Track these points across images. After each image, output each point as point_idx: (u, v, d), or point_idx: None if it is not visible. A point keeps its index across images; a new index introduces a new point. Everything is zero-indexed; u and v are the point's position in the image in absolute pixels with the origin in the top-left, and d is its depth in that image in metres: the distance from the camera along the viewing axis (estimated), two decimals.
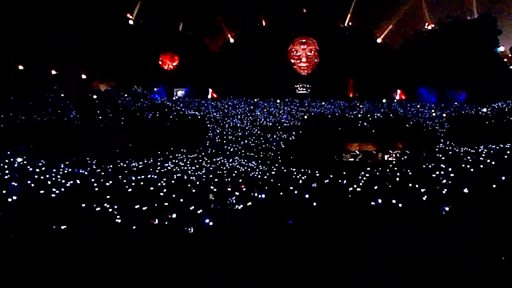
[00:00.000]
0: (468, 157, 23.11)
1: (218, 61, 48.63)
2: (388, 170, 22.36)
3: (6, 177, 17.46)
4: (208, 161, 26.19)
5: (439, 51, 43.84)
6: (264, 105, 39.69)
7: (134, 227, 10.04)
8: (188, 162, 25.59)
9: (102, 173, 20.70)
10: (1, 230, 9.80)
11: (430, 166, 21.77)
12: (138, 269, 7.56)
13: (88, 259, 7.82)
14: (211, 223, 10.34)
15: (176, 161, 26.09)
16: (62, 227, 9.77)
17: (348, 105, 39.13)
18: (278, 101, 40.75)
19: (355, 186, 16.30)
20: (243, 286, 7.16)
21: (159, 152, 27.87)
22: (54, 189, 14.94)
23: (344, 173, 20.07)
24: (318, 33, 47.84)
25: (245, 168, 24.11)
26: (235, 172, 21.92)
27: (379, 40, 50.01)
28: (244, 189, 15.86)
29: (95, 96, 34.64)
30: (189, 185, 17.14)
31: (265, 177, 20.33)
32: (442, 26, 46.73)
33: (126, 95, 37.29)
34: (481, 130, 29.24)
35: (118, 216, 11.13)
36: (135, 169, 22.88)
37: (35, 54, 39.41)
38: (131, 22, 49.17)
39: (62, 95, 33.47)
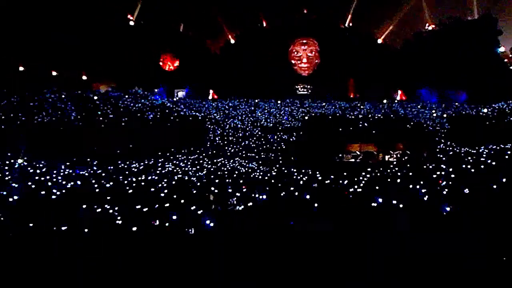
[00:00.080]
0: (469, 158, 23.11)
1: (218, 61, 48.64)
2: (388, 170, 22.37)
3: (6, 178, 17.50)
4: (209, 162, 26.19)
5: (439, 52, 43.85)
6: (265, 105, 39.58)
7: (134, 228, 10.04)
8: (189, 163, 25.60)
9: (103, 174, 20.74)
10: (1, 230, 9.83)
11: (430, 167, 21.77)
12: (139, 270, 7.57)
13: (88, 260, 7.82)
14: (211, 224, 10.32)
15: (177, 162, 26.09)
16: (63, 228, 9.77)
17: (349, 105, 39.02)
18: (279, 101, 40.60)
19: (355, 186, 16.29)
20: (243, 286, 7.17)
21: (159, 153, 27.86)
22: (54, 190, 14.96)
23: (345, 173, 20.07)
24: (318, 33, 47.81)
25: (246, 169, 24.12)
26: (236, 173, 21.93)
27: (379, 41, 50.05)
28: (245, 189, 15.85)
29: (95, 97, 34.65)
30: (189, 186, 17.15)
31: (266, 177, 20.34)
32: (442, 26, 46.76)
33: (126, 95, 37.28)
34: (481, 130, 29.20)
35: (118, 217, 11.13)
36: (135, 170, 22.92)
37: (35, 55, 39.51)
38: (131, 22, 49.27)
39: (63, 95, 33.53)
